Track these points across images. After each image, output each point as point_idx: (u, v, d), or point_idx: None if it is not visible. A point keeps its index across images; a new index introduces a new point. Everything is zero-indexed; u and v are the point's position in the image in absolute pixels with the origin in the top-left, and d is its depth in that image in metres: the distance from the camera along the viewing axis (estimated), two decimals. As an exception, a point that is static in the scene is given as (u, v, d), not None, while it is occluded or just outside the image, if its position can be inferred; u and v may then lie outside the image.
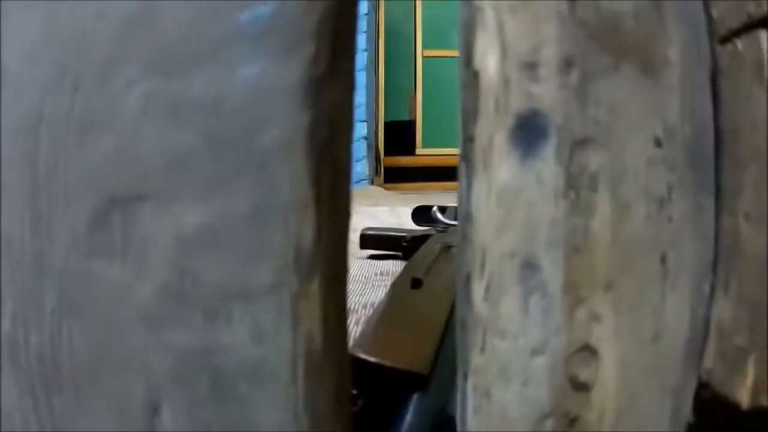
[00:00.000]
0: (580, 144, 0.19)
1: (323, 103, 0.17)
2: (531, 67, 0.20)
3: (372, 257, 1.13)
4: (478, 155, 0.21)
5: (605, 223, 0.19)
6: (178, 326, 0.18)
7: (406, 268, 0.59)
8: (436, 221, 1.10)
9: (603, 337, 0.21)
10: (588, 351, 0.21)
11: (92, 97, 0.20)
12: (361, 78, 3.75)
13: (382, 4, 4.22)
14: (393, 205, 2.11)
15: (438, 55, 4.32)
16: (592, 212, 0.19)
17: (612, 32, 0.21)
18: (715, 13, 0.25)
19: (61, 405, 0.22)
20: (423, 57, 4.33)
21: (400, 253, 1.01)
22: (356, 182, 3.66)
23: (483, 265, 0.19)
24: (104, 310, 0.19)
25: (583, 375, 0.21)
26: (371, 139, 3.83)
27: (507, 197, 0.19)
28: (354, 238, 1.14)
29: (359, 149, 3.72)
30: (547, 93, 0.20)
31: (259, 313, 0.17)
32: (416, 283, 0.49)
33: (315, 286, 0.17)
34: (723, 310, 0.24)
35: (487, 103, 0.20)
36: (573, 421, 0.22)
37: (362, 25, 3.81)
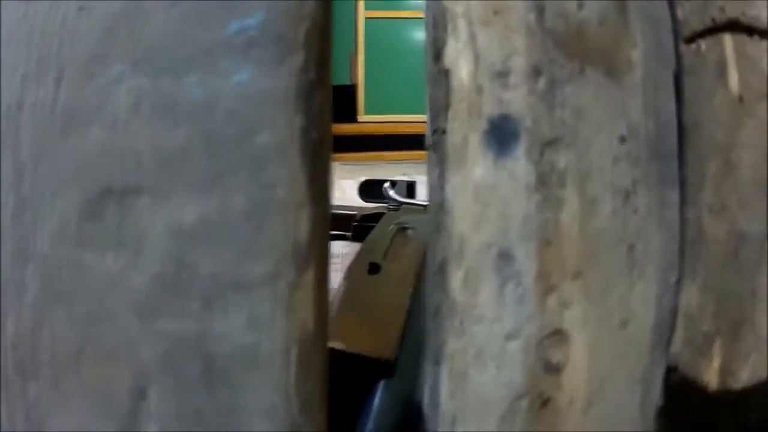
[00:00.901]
0: (548, 144, 0.25)
1: (313, 108, 0.20)
2: (502, 75, 0.24)
3: None
4: (451, 151, 0.25)
5: (574, 216, 0.23)
6: (172, 315, 0.21)
7: (361, 251, 0.62)
8: (387, 198, 1.10)
9: (573, 322, 0.25)
10: (559, 335, 0.25)
11: (78, 90, 0.23)
12: None
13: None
14: (336, 178, 2.08)
15: (381, 16, 4.28)
16: (561, 207, 0.24)
17: (578, 39, 0.26)
18: (680, 14, 0.28)
19: (36, 391, 0.24)
20: (365, 18, 4.29)
21: (348, 234, 0.98)
22: None
23: (461, 255, 0.23)
24: (92, 300, 0.23)
25: (555, 358, 0.25)
26: None
27: (483, 193, 0.25)
28: None
29: None
30: (517, 99, 0.24)
31: (256, 302, 0.21)
32: (374, 268, 0.51)
33: (310, 277, 0.21)
34: (690, 297, 0.28)
35: (460, 106, 0.25)
36: (545, 402, 0.25)
37: None
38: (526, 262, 0.24)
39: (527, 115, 0.24)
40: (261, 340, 0.22)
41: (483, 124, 0.24)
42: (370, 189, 1.26)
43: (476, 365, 0.24)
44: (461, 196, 0.24)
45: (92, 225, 0.23)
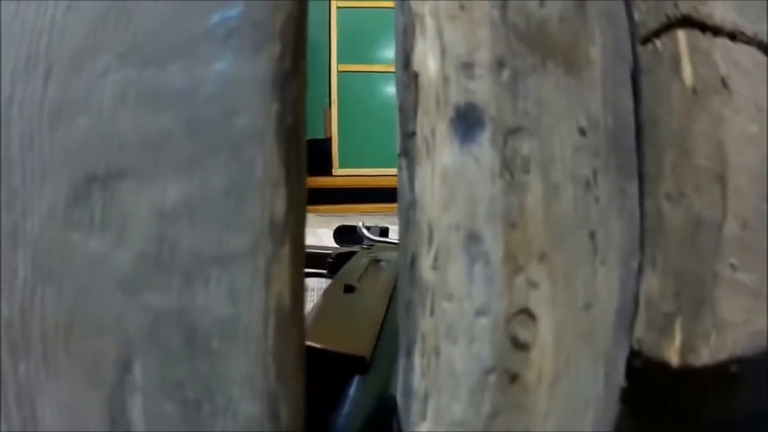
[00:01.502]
0: (512, 132, 0.26)
1: (289, 95, 0.22)
2: (467, 66, 0.27)
3: None
4: (420, 146, 0.28)
5: (537, 201, 0.26)
6: (155, 290, 0.23)
7: (336, 278, 0.65)
8: (361, 239, 1.15)
9: (540, 302, 0.28)
10: (526, 314, 0.28)
11: (66, 83, 0.26)
12: None
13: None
14: (312, 226, 2.14)
15: (354, 69, 4.38)
16: (525, 191, 0.26)
17: (539, 35, 0.29)
18: (636, 15, 0.32)
19: (26, 368, 0.27)
20: (338, 72, 4.38)
21: (324, 271, 1.03)
22: None
23: (431, 237, 0.25)
24: (80, 277, 0.25)
25: (523, 335, 0.28)
26: None
27: (450, 178, 0.28)
28: None
29: None
30: (481, 89, 0.27)
31: (235, 276, 0.23)
32: (349, 289, 0.55)
33: (286, 251, 0.23)
34: (651, 284, 0.31)
35: (427, 100, 0.28)
36: (514, 377, 0.28)
37: None
38: (493, 242, 0.26)
39: (492, 104, 0.27)
40: (240, 311, 0.24)
41: (450, 112, 0.27)
42: (344, 233, 1.31)
43: (447, 340, 0.27)
44: (429, 183, 0.27)
45: (79, 209, 0.26)
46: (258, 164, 0.24)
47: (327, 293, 0.61)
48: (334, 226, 1.45)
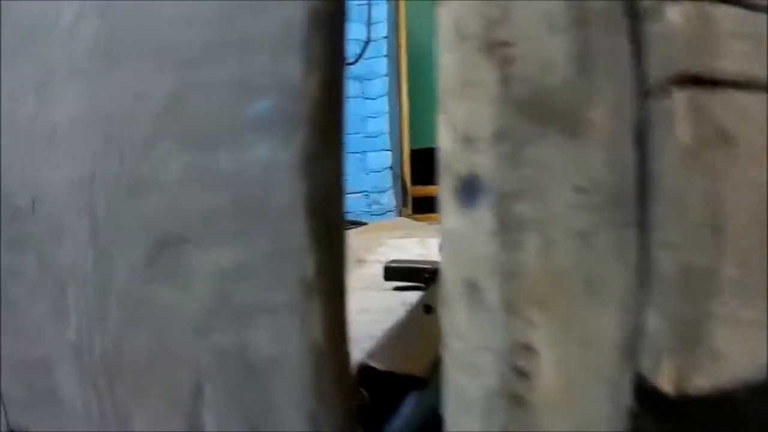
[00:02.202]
0: (510, 197, 0.33)
1: (317, 173, 0.29)
2: (471, 140, 0.34)
3: (397, 288, 1.42)
4: (440, 210, 0.35)
5: (534, 255, 0.32)
6: (219, 332, 0.31)
7: (421, 297, 0.75)
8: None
9: (540, 340, 0.35)
10: (528, 350, 0.35)
11: (138, 163, 0.34)
12: (382, 105, 4.24)
13: (402, 24, 4.29)
14: (422, 236, 2.28)
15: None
16: (521, 247, 0.32)
17: (541, 105, 0.35)
18: (643, 72, 0.36)
19: (120, 390, 0.36)
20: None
21: (423, 285, 1.27)
22: (383, 214, 4.18)
23: (444, 289, 0.31)
24: (159, 322, 0.32)
25: (525, 366, 0.34)
26: (396, 169, 4.28)
27: (453, 237, 0.33)
28: (379, 270, 1.48)
29: (384, 180, 4.24)
30: (483, 160, 0.34)
31: (278, 323, 0.31)
32: (428, 309, 0.65)
33: (317, 305, 0.29)
34: (652, 321, 0.36)
35: (442, 168, 0.34)
36: (521, 401, 0.36)
37: (382, 48, 4.24)
38: (492, 291, 0.33)
39: (492, 173, 0.33)
40: (283, 350, 0.32)
41: (454, 182, 0.33)
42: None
43: (457, 371, 0.34)
44: (442, 242, 0.34)
45: (155, 267, 0.34)
46: (291, 235, 0.32)
47: (410, 312, 0.71)
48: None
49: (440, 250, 0.34)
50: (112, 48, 0.37)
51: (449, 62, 0.35)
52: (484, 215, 0.33)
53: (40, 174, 0.37)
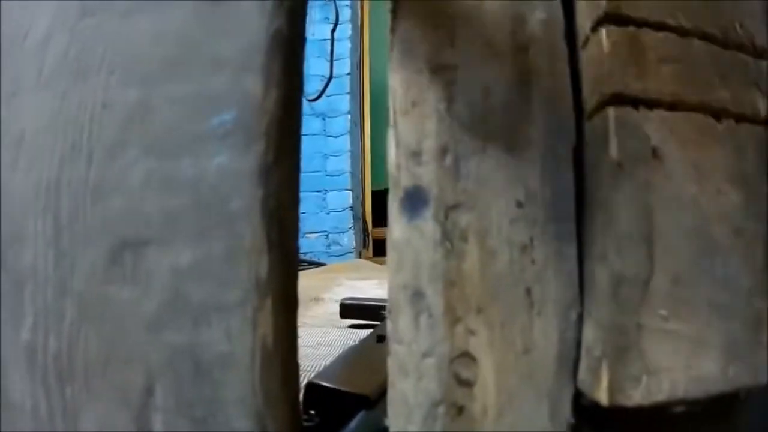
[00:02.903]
0: (452, 208, 0.36)
1: (272, 182, 0.33)
2: (416, 155, 0.37)
3: (353, 326, 1.45)
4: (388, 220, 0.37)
5: (474, 264, 0.36)
6: (173, 330, 0.34)
7: (375, 329, 0.80)
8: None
9: (479, 347, 0.38)
10: (468, 357, 0.38)
11: (104, 169, 0.38)
12: (344, 143, 4.35)
13: (366, 60, 4.39)
14: (381, 279, 2.31)
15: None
16: (463, 257, 0.35)
17: (483, 123, 0.39)
18: (583, 95, 0.41)
19: (71, 392, 0.40)
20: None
21: (379, 323, 1.19)
22: (342, 255, 4.20)
23: (389, 295, 0.35)
24: (115, 320, 0.35)
25: (465, 374, 0.38)
26: (357, 210, 4.28)
27: (399, 246, 0.35)
28: (335, 308, 1.51)
29: (344, 220, 4.29)
30: (427, 173, 0.39)
31: (231, 321, 0.34)
32: (381, 339, 0.69)
33: (268, 304, 0.33)
34: (588, 332, 0.41)
35: (390, 183, 0.35)
36: (460, 409, 0.38)
37: (345, 86, 4.37)
38: (434, 298, 0.37)
39: (434, 186, 0.37)
40: (234, 348, 0.35)
41: (400, 194, 0.37)
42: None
43: (400, 376, 0.37)
44: (389, 252, 0.38)
45: (115, 268, 0.37)
46: (246, 237, 0.35)
47: (362, 341, 0.74)
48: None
49: (387, 260, 0.38)
50: (81, 62, 0.41)
51: (399, 82, 0.40)
52: (427, 225, 0.38)
53: (6, 177, 0.41)
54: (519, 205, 0.39)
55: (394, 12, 0.42)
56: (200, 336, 0.37)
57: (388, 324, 0.39)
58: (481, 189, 0.38)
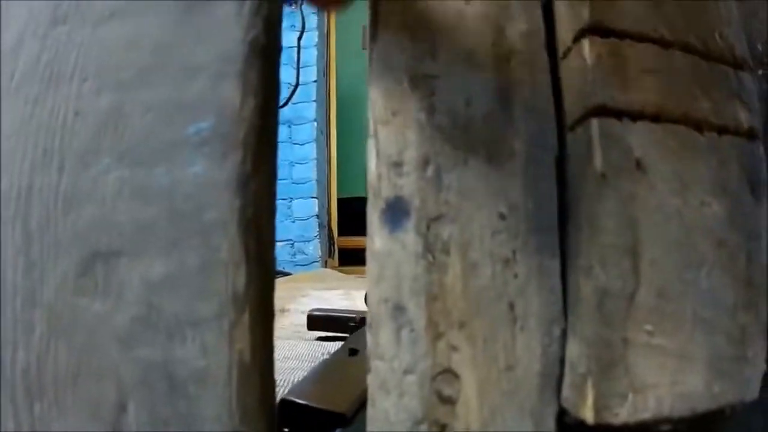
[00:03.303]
0: (434, 220, 0.36)
1: (249, 192, 0.33)
2: (397, 165, 0.37)
3: (320, 339, 1.46)
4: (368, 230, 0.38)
5: (456, 277, 0.36)
6: (145, 345, 0.34)
7: (346, 342, 0.79)
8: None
9: (461, 363, 0.39)
10: (450, 373, 0.38)
11: (76, 177, 0.38)
12: (310, 150, 4.40)
13: (333, 68, 4.43)
14: (348, 288, 2.32)
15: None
16: (445, 270, 0.35)
17: (464, 133, 0.39)
18: (565, 106, 0.42)
19: (40, 409, 0.39)
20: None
21: (348, 335, 1.19)
22: (307, 264, 4.25)
23: (370, 309, 0.35)
24: (86, 335, 0.36)
25: (447, 391, 0.38)
26: (323, 218, 4.30)
27: (380, 258, 0.36)
28: (302, 320, 1.52)
29: (310, 229, 4.34)
30: (408, 184, 0.39)
31: (206, 335, 0.34)
32: (353, 352, 0.67)
33: (246, 318, 0.33)
34: (572, 348, 0.41)
35: (369, 192, 0.35)
36: (443, 428, 0.39)
37: (311, 93, 4.43)
38: (416, 312, 0.37)
39: (416, 197, 0.37)
40: (209, 363, 0.35)
41: (381, 205, 0.37)
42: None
43: (381, 393, 0.37)
44: (369, 265, 0.37)
45: (86, 279, 0.37)
46: (223, 248, 0.35)
47: (334, 354, 0.74)
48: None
49: (367, 272, 0.38)
50: (53, 68, 0.41)
51: (378, 92, 0.41)
52: (409, 237, 0.38)
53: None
54: (501, 217, 0.39)
55: (374, 22, 0.43)
56: (174, 350, 0.37)
57: (369, 338, 0.39)
58: (463, 200, 0.39)
